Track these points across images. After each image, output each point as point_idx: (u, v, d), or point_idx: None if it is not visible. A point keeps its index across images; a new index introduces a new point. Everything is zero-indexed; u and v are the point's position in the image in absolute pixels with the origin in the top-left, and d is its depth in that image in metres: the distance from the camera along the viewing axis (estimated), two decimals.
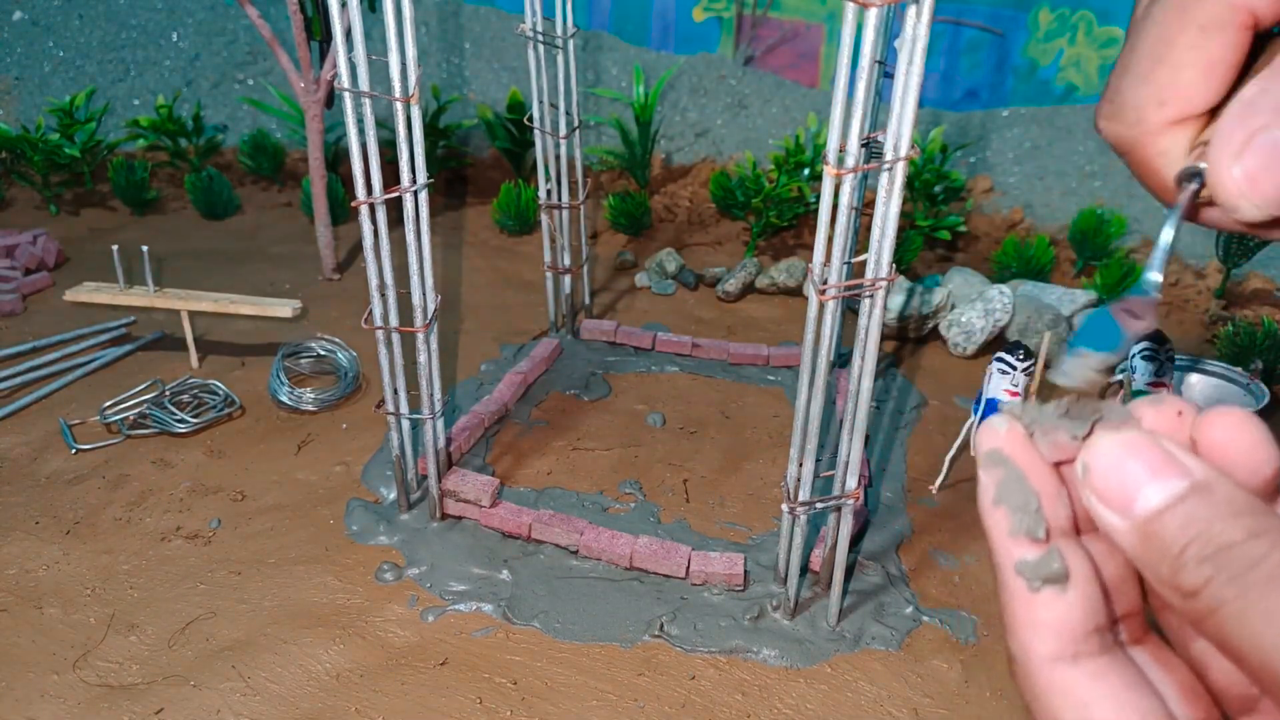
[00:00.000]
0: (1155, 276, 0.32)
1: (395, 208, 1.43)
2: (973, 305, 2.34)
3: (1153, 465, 0.26)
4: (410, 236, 1.42)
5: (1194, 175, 0.31)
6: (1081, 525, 0.30)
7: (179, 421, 1.84)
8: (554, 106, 2.04)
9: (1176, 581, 0.25)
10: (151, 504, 1.63)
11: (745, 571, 1.46)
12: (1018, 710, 1.28)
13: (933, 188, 2.86)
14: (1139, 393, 1.65)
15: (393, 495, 1.67)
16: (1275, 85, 0.28)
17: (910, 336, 2.41)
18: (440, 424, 1.56)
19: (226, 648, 1.31)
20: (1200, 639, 0.29)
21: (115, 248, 2.01)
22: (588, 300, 2.49)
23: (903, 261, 2.78)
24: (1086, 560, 0.29)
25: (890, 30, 1.75)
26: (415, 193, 1.39)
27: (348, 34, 1.29)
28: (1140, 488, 0.26)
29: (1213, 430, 0.28)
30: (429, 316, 1.48)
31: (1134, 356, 1.70)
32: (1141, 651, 0.31)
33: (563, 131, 2.06)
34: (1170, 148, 0.32)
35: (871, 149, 1.58)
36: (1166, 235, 0.32)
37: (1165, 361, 1.67)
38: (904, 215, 2.87)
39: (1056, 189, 3.30)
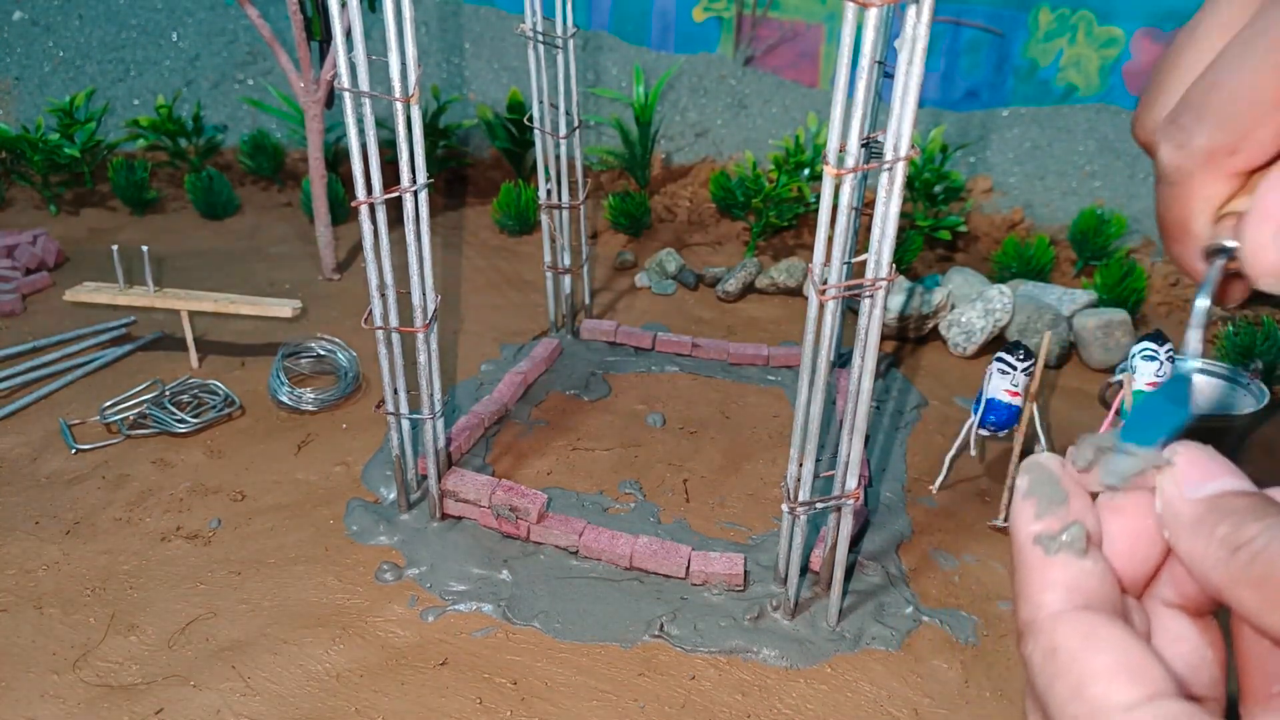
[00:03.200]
0: (1193, 362, 0.34)
1: (395, 208, 1.43)
2: (973, 305, 2.34)
3: (1226, 466, 0.30)
4: (410, 236, 1.42)
5: (1222, 251, 0.32)
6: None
7: (179, 421, 1.84)
8: (554, 106, 2.04)
9: (1235, 537, 0.28)
10: (151, 504, 1.63)
11: (745, 571, 1.46)
12: (1018, 710, 1.28)
13: (933, 188, 2.86)
14: (1139, 393, 1.65)
15: (393, 495, 1.67)
16: None
17: (910, 336, 2.41)
18: (440, 424, 1.56)
19: (226, 648, 1.31)
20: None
21: (115, 248, 2.01)
22: (588, 300, 2.49)
23: (903, 261, 2.78)
24: (1105, 561, 0.31)
25: (890, 30, 1.76)
26: (415, 193, 1.39)
27: (348, 34, 1.29)
28: (1216, 475, 0.30)
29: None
30: (429, 316, 1.48)
31: (1134, 357, 1.70)
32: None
33: (563, 131, 2.06)
34: (1215, 194, 0.33)
35: (871, 149, 1.59)
36: (1200, 310, 0.34)
37: (1165, 362, 1.67)
38: (904, 215, 2.87)
39: (1056, 189, 3.30)
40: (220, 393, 1.94)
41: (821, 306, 1.18)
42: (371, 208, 1.37)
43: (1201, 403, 1.96)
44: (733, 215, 3.18)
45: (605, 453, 1.85)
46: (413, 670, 1.29)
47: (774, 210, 2.89)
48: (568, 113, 2.05)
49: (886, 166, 1.07)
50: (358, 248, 2.89)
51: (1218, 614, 0.32)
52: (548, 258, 2.19)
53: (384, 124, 2.97)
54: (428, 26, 4.01)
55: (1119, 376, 1.74)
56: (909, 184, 2.84)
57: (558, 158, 2.09)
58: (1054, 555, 0.30)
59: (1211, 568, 0.28)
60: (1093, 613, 0.28)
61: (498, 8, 4.06)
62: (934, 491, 1.76)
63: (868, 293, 1.15)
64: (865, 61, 1.00)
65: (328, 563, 1.50)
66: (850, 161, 1.07)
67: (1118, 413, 1.72)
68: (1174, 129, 0.33)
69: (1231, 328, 2.24)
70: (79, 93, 3.41)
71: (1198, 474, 0.30)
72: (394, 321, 1.47)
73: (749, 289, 2.71)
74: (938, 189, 2.87)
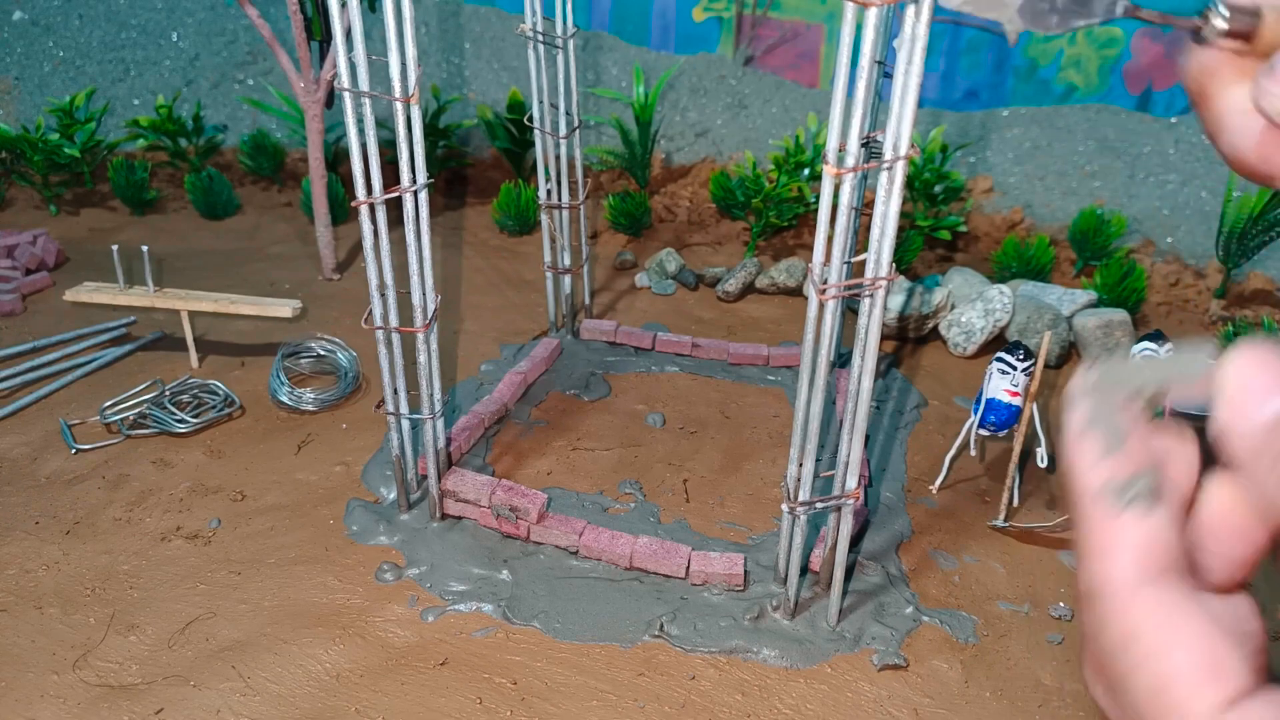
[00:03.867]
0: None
1: (395, 208, 1.43)
2: (973, 305, 2.34)
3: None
4: (410, 236, 1.42)
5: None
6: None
7: (179, 421, 1.84)
8: (554, 106, 2.04)
9: None
10: (151, 504, 1.63)
11: (745, 571, 1.46)
12: (1018, 710, 1.28)
13: (933, 188, 2.86)
14: None
15: (393, 495, 1.67)
16: None
17: (910, 336, 2.41)
18: (440, 424, 1.56)
19: (226, 648, 1.31)
20: None
21: (115, 248, 2.01)
22: (588, 300, 2.49)
23: (903, 261, 2.78)
24: (1172, 507, 0.28)
25: (890, 30, 1.76)
26: (415, 193, 1.39)
27: (348, 34, 1.29)
28: (1273, 396, 0.26)
29: None
30: (429, 316, 1.48)
31: (1134, 357, 1.70)
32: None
33: (563, 131, 2.06)
34: None
35: (871, 149, 1.58)
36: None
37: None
38: (904, 215, 2.87)
39: (1056, 189, 3.30)
40: (220, 393, 1.94)
41: (821, 306, 1.18)
42: (371, 208, 1.37)
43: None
44: (733, 215, 3.18)
45: (605, 453, 1.85)
46: (413, 670, 1.29)
47: (774, 210, 2.89)
48: (568, 113, 2.05)
49: (886, 166, 1.07)
50: (358, 248, 2.89)
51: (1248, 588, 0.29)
52: (548, 258, 2.19)
53: (384, 124, 2.98)
54: (428, 26, 4.01)
55: None
56: (909, 184, 2.84)
57: (558, 158, 2.09)
58: (1125, 510, 0.26)
59: (1278, 493, 0.26)
60: (1168, 590, 0.26)
61: (498, 8, 4.06)
62: (934, 491, 1.76)
63: (868, 292, 1.15)
64: (865, 61, 1.00)
65: (328, 563, 1.50)
66: (850, 161, 1.07)
67: None
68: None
69: (1231, 328, 2.24)
70: (79, 93, 3.41)
71: (1258, 391, 0.26)
72: (394, 321, 1.47)
73: (749, 289, 2.71)
74: (938, 189, 2.87)
